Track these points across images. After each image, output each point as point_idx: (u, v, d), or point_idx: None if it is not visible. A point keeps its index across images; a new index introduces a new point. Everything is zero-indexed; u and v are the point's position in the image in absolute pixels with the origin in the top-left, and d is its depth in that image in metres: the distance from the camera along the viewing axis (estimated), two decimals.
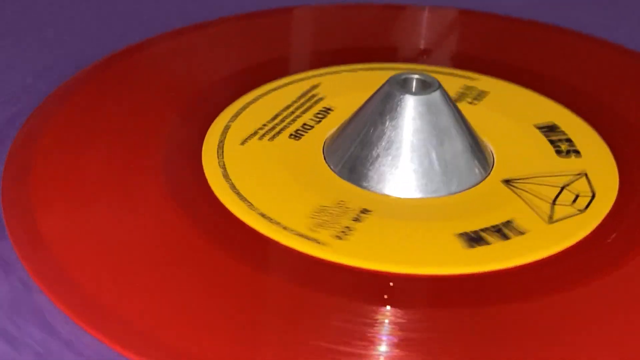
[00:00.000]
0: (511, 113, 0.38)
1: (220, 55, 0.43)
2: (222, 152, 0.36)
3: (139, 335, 0.28)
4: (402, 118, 0.35)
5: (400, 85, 0.36)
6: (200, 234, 0.32)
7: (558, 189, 0.34)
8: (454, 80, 0.40)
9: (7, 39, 0.44)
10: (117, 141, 0.36)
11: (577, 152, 0.36)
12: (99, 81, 0.40)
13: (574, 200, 0.33)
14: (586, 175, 0.34)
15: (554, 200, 0.33)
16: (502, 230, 0.32)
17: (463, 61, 0.42)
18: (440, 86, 0.35)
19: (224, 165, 0.35)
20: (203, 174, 0.35)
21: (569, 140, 0.37)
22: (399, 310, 0.30)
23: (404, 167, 0.34)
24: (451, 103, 0.35)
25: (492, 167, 0.36)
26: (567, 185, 0.34)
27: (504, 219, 0.33)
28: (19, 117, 0.38)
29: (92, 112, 0.38)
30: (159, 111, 0.38)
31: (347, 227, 0.32)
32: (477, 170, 0.35)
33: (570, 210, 0.33)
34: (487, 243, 0.32)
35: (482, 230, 0.32)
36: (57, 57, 0.42)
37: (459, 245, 0.32)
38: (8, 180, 0.34)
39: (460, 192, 0.34)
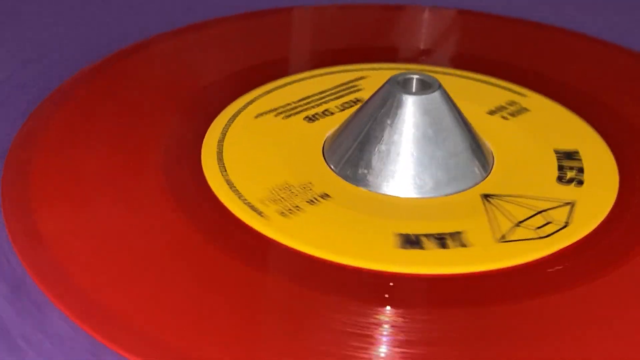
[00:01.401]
0: (535, 133, 0.38)
1: (220, 55, 0.43)
2: (222, 151, 0.36)
3: (138, 335, 0.28)
4: (402, 118, 0.35)
5: (400, 85, 0.36)
6: (199, 234, 0.32)
7: (533, 212, 0.33)
8: (499, 92, 0.40)
9: (7, 38, 0.44)
10: (117, 141, 0.36)
11: (580, 182, 0.35)
12: (99, 81, 0.40)
13: (541, 226, 0.33)
14: (572, 205, 0.34)
15: (520, 223, 0.33)
16: (444, 239, 0.32)
17: (463, 61, 0.42)
18: (440, 86, 0.35)
19: (224, 164, 0.35)
20: (202, 173, 0.35)
21: (580, 170, 0.36)
22: (399, 310, 0.30)
23: (404, 167, 0.34)
24: (451, 103, 0.35)
25: (492, 167, 0.36)
26: (545, 211, 0.33)
27: (455, 229, 0.33)
28: (19, 117, 0.38)
29: (92, 112, 0.38)
30: (159, 111, 0.38)
31: (297, 207, 0.32)
32: (477, 170, 0.35)
33: (530, 233, 0.33)
34: (422, 248, 0.32)
35: (424, 235, 0.32)
36: (57, 57, 0.42)
37: (392, 244, 0.32)
38: (8, 180, 0.34)
39: (458, 192, 0.34)
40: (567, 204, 0.33)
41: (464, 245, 0.32)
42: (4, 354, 0.28)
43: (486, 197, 0.34)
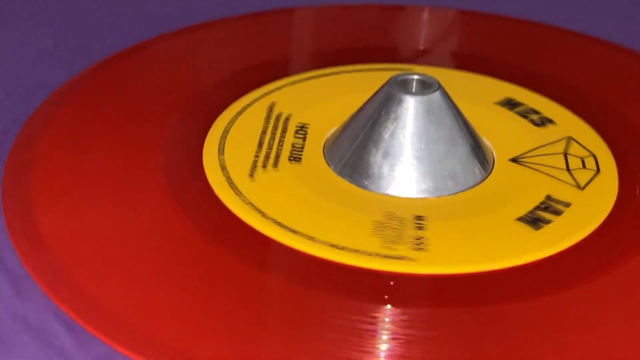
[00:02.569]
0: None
1: (221, 55, 0.43)
2: (223, 152, 0.36)
3: (139, 335, 0.28)
4: (402, 118, 0.35)
5: (401, 85, 0.36)
6: (200, 234, 0.32)
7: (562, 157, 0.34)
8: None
9: (7, 38, 0.44)
10: (118, 141, 0.36)
11: (550, 121, 0.36)
12: (99, 81, 0.40)
13: (583, 165, 0.34)
14: (571, 138, 0.34)
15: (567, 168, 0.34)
16: (550, 206, 0.33)
17: (463, 61, 0.42)
18: (440, 86, 0.35)
19: (225, 165, 0.35)
20: (204, 174, 0.35)
21: (535, 112, 0.37)
22: (399, 310, 0.30)
23: (404, 168, 0.34)
24: (451, 103, 0.35)
25: (492, 167, 0.36)
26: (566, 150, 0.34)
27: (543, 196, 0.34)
28: (20, 117, 0.38)
29: (92, 112, 0.38)
30: (160, 111, 0.38)
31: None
32: (477, 170, 0.35)
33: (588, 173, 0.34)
34: (549, 221, 0.33)
35: (535, 210, 0.33)
36: (57, 57, 0.42)
37: (526, 229, 0.33)
38: (8, 180, 0.34)
39: (458, 192, 0.34)
40: (566, 139, 0.34)
41: (567, 205, 0.33)
42: (3, 354, 0.28)
43: (515, 160, 0.34)
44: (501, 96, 0.40)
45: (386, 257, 0.31)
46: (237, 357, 0.28)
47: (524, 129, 0.38)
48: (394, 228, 0.32)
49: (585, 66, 0.43)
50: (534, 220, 0.33)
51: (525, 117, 0.38)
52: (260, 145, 0.36)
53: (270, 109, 0.38)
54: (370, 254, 0.31)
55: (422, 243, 0.32)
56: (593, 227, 0.33)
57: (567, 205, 0.34)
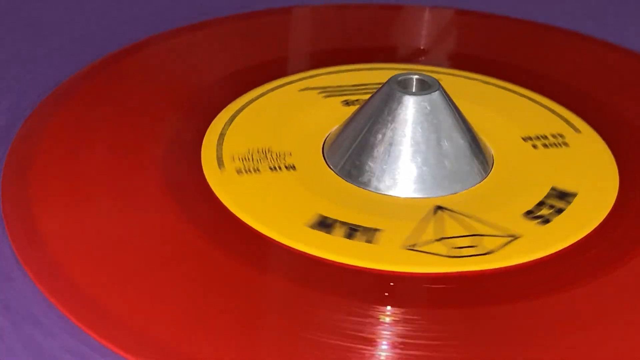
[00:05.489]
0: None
1: (220, 55, 0.43)
2: (222, 151, 0.36)
3: (137, 335, 0.28)
4: (402, 118, 0.35)
5: (400, 85, 0.36)
6: (199, 233, 0.32)
7: (467, 234, 0.33)
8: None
9: (7, 38, 0.44)
10: (117, 141, 0.36)
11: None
12: (99, 81, 0.40)
13: (460, 247, 0.32)
14: (515, 238, 0.33)
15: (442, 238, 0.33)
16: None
17: (463, 61, 0.42)
18: (440, 86, 0.35)
19: (223, 164, 0.35)
20: (202, 173, 0.35)
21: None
22: (397, 309, 0.30)
23: (404, 167, 0.34)
24: (451, 103, 0.35)
25: (492, 167, 0.36)
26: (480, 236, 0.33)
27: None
28: (19, 117, 0.38)
29: (91, 112, 0.38)
30: (159, 111, 0.38)
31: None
32: (476, 171, 0.35)
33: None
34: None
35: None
36: (56, 57, 0.42)
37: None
38: (8, 180, 0.34)
39: (458, 192, 0.34)
40: (511, 237, 0.33)
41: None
42: (2, 354, 0.28)
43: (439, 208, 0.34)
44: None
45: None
46: (237, 357, 0.28)
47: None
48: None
49: (585, 66, 0.43)
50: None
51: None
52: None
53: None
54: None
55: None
56: (593, 227, 0.33)
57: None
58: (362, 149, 0.35)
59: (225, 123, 0.37)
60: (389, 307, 0.30)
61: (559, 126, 0.38)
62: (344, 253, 0.31)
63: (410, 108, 0.35)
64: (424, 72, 0.37)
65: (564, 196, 0.34)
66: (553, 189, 0.34)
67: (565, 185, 0.35)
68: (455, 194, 0.34)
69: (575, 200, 0.34)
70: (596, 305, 0.30)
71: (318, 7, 0.47)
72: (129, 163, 0.35)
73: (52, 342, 0.29)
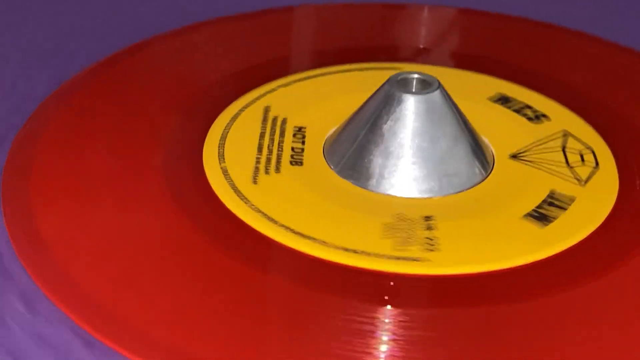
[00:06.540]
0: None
1: (220, 55, 0.43)
2: (223, 152, 0.36)
3: (138, 336, 0.28)
4: (402, 118, 0.35)
5: (400, 84, 0.36)
6: (201, 235, 0.32)
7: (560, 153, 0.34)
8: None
9: (7, 38, 0.44)
10: (117, 142, 0.36)
11: (545, 116, 0.36)
12: (99, 81, 0.40)
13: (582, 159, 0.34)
14: (568, 133, 0.34)
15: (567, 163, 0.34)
16: (554, 202, 0.33)
17: (463, 60, 0.42)
18: (440, 85, 0.35)
19: (225, 165, 0.35)
20: (204, 174, 0.35)
21: (529, 107, 0.38)
22: (397, 310, 0.30)
23: (406, 167, 0.34)
24: (451, 102, 0.35)
25: (492, 166, 0.36)
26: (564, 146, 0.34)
27: (546, 191, 0.34)
28: (19, 118, 0.38)
29: (92, 113, 0.38)
30: (160, 111, 0.38)
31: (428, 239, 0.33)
32: (477, 170, 0.35)
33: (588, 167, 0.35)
34: (554, 217, 0.33)
35: (541, 206, 0.34)
36: (57, 57, 0.42)
37: (533, 227, 0.33)
38: (8, 180, 0.34)
39: (457, 193, 0.34)
40: (563, 133, 0.34)
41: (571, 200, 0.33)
42: (3, 355, 0.28)
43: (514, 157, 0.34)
44: (494, 92, 0.40)
45: (399, 259, 0.31)
46: (238, 357, 0.28)
47: (520, 126, 0.38)
48: (404, 229, 0.32)
49: (585, 65, 0.43)
50: (540, 216, 0.33)
51: (519, 113, 0.38)
52: (260, 146, 0.36)
53: (269, 110, 0.38)
54: (383, 257, 0.31)
55: (434, 243, 0.32)
56: (593, 227, 0.33)
57: (572, 200, 0.34)
58: (362, 148, 0.35)
59: (227, 123, 0.37)
60: (388, 307, 0.30)
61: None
62: (344, 253, 0.31)
63: (410, 108, 0.35)
64: (424, 72, 0.37)
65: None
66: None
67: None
68: (455, 194, 0.34)
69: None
70: (596, 305, 0.30)
71: (318, 6, 0.47)
72: (130, 163, 0.35)
73: (53, 342, 0.29)
